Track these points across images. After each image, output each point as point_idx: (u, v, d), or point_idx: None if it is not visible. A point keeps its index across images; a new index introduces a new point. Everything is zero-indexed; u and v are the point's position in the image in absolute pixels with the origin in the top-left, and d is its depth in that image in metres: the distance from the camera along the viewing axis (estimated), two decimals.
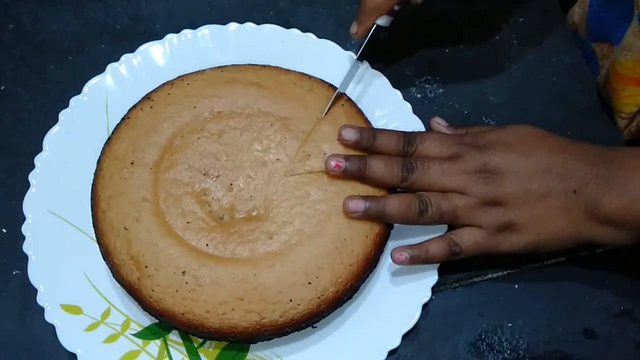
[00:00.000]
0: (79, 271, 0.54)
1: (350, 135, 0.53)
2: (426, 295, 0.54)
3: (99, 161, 0.55)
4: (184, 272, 0.50)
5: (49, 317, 0.52)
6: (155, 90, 0.58)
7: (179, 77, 0.58)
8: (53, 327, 0.53)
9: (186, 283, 0.50)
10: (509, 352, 0.54)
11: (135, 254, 0.51)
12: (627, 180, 0.49)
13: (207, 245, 0.51)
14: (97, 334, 0.52)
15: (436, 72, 0.65)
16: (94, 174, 0.55)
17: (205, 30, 0.63)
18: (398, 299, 0.54)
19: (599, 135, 0.55)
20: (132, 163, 0.54)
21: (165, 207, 0.53)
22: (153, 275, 0.50)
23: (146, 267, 0.51)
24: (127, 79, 0.61)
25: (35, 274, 0.54)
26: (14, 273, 0.56)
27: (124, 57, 0.61)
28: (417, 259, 0.52)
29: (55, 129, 0.59)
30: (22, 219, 0.56)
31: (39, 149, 0.59)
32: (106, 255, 0.52)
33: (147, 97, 0.57)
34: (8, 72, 0.64)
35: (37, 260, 0.54)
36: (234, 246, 0.51)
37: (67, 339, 0.52)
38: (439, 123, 0.57)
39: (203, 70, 0.58)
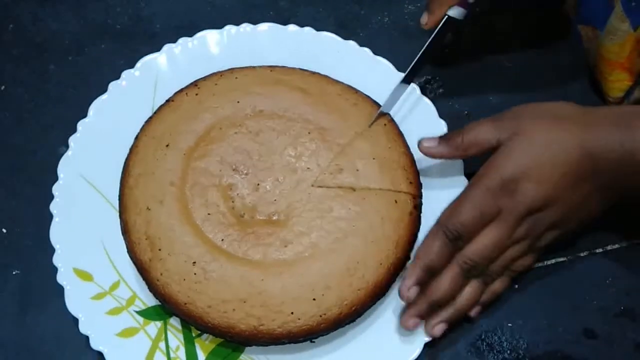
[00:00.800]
0: (97, 239, 0.55)
1: (410, 292, 0.50)
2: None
3: (136, 137, 0.56)
4: (194, 262, 0.50)
5: (60, 278, 0.53)
6: (203, 79, 0.58)
7: (229, 69, 0.59)
8: (53, 326, 0.54)
9: (194, 274, 0.50)
10: (509, 352, 0.54)
11: (151, 235, 0.51)
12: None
13: (222, 240, 0.51)
14: (102, 304, 0.53)
15: (436, 72, 0.64)
16: (130, 149, 0.56)
17: (264, 26, 0.63)
18: (402, 333, 0.52)
19: None
20: (167, 145, 0.54)
21: (190, 194, 0.53)
22: (164, 259, 0.51)
23: (160, 250, 0.51)
24: (180, 61, 0.61)
25: (56, 234, 0.54)
26: (14, 273, 0.56)
27: (181, 40, 0.62)
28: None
29: (103, 97, 0.59)
30: (23, 219, 0.57)
31: (39, 148, 0.60)
32: (125, 231, 0.53)
33: (194, 84, 0.58)
34: (8, 72, 0.65)
35: (60, 221, 0.55)
36: (248, 247, 0.51)
37: (73, 303, 0.52)
38: (428, 147, 0.54)
39: (253, 67, 0.59)
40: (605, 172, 0.49)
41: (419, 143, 0.55)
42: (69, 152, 0.57)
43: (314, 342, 0.52)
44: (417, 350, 0.52)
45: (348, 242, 0.51)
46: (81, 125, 0.58)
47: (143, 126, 0.56)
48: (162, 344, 0.52)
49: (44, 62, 0.65)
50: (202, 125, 0.55)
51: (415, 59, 0.57)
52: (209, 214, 0.52)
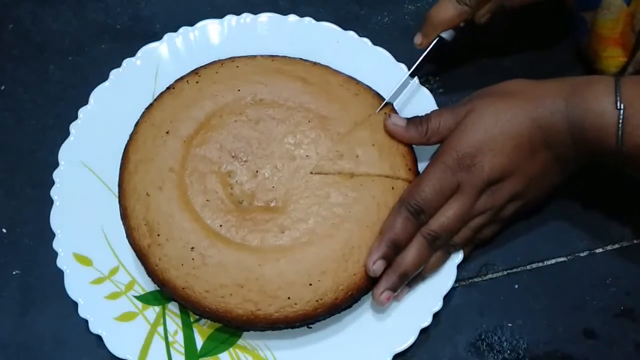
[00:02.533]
0: (97, 225, 0.55)
1: (375, 266, 0.50)
2: (427, 320, 0.52)
3: (136, 124, 0.56)
4: (192, 247, 0.50)
5: (60, 262, 0.53)
6: (204, 67, 0.58)
7: (230, 58, 0.59)
8: (53, 326, 0.53)
9: (192, 259, 0.50)
10: (509, 352, 0.54)
11: (150, 221, 0.51)
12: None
13: (220, 226, 0.51)
14: (102, 288, 0.53)
15: (436, 72, 0.64)
16: (130, 135, 0.56)
17: (264, 17, 0.63)
18: (398, 319, 0.53)
19: None
20: (167, 132, 0.54)
21: (189, 181, 0.53)
22: (163, 245, 0.51)
23: (158, 235, 0.51)
24: (181, 50, 0.61)
25: (56, 219, 0.55)
26: (14, 273, 0.56)
27: (181, 29, 0.62)
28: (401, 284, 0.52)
29: (104, 85, 0.60)
30: (23, 219, 0.57)
31: (39, 148, 0.60)
32: (124, 216, 0.53)
33: (195, 72, 0.58)
34: (8, 72, 0.64)
35: (61, 207, 0.55)
36: (246, 232, 0.51)
37: (72, 287, 0.53)
38: (395, 124, 0.55)
39: (254, 56, 0.59)
40: (558, 143, 0.50)
41: (386, 118, 0.56)
42: (70, 138, 0.57)
43: (310, 327, 0.52)
44: (412, 338, 0.52)
45: (344, 228, 0.51)
46: (82, 112, 0.58)
47: (143, 113, 0.56)
48: (160, 329, 0.52)
49: (44, 62, 0.64)
50: (202, 112, 0.55)
51: (417, 59, 0.59)
52: (207, 200, 0.52)
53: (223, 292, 0.50)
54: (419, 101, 0.60)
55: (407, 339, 0.52)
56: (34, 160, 0.60)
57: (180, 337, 0.52)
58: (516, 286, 0.56)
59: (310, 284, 0.50)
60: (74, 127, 0.58)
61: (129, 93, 0.59)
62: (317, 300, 0.50)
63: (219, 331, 0.53)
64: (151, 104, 0.57)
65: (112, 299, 0.53)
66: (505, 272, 0.57)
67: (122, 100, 0.59)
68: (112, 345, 0.51)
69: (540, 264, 0.57)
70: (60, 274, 0.54)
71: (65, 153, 0.57)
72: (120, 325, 0.52)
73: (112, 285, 0.53)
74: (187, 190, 0.52)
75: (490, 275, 0.56)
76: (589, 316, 0.55)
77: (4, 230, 0.58)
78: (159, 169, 0.53)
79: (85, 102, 0.59)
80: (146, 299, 0.53)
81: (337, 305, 0.50)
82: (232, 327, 0.52)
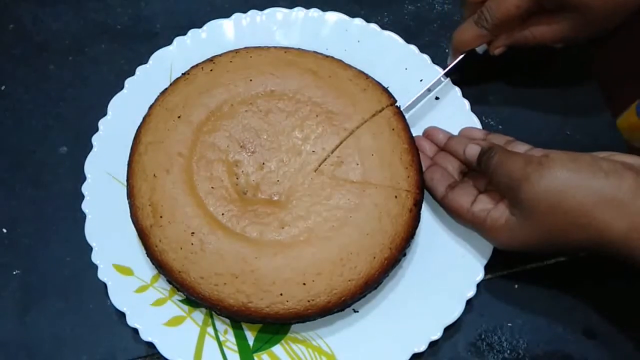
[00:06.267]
0: (132, 233, 0.53)
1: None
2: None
3: (150, 107, 0.55)
4: (193, 232, 0.49)
5: (101, 275, 0.52)
6: (219, 55, 0.57)
7: (245, 48, 0.57)
8: (53, 326, 0.52)
9: (192, 244, 0.49)
10: (509, 352, 0.53)
11: (155, 202, 0.51)
12: None
13: (222, 214, 0.50)
14: (146, 296, 0.52)
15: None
16: (143, 118, 0.54)
17: (279, 14, 0.63)
18: (444, 291, 0.53)
19: (599, 135, 0.55)
20: (179, 117, 0.53)
21: (197, 167, 0.52)
22: (164, 227, 0.50)
23: (161, 217, 0.50)
24: (191, 48, 0.61)
25: (91, 232, 0.54)
26: (14, 273, 0.55)
27: (190, 32, 0.61)
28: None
29: (119, 95, 0.59)
30: (23, 219, 0.56)
31: (39, 148, 0.59)
32: (130, 195, 0.52)
33: (210, 60, 0.57)
34: (8, 72, 0.63)
35: (93, 219, 0.54)
36: (246, 224, 0.50)
37: (117, 298, 0.51)
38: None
39: (268, 47, 0.57)
40: None
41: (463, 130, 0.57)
42: (94, 150, 0.56)
43: (357, 311, 0.52)
44: (459, 309, 0.53)
45: (343, 232, 0.49)
46: (102, 123, 0.57)
47: (157, 97, 0.55)
48: (210, 329, 0.51)
49: (44, 62, 0.63)
50: (214, 100, 0.54)
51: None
52: (212, 187, 0.51)
53: (217, 281, 0.48)
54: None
55: (455, 311, 0.52)
56: (34, 160, 0.59)
57: (231, 335, 0.51)
58: (516, 286, 0.55)
59: (304, 283, 0.48)
60: (95, 140, 0.57)
61: (145, 99, 0.57)
62: (308, 301, 0.48)
63: (267, 325, 0.52)
64: (166, 89, 0.56)
65: (159, 305, 0.52)
66: (505, 272, 0.56)
67: (139, 107, 0.56)
68: (166, 350, 0.50)
69: (540, 264, 0.56)
70: (59, 273, 0.53)
71: (91, 166, 0.56)
72: (170, 330, 0.51)
73: (156, 292, 0.52)
74: (194, 176, 0.51)
75: (490, 275, 0.56)
76: (589, 316, 0.54)
77: (4, 230, 0.57)
78: (168, 152, 0.52)
79: (86, 103, 0.59)
80: (191, 301, 0.52)
81: (329, 308, 0.49)
82: (223, 316, 0.51)
